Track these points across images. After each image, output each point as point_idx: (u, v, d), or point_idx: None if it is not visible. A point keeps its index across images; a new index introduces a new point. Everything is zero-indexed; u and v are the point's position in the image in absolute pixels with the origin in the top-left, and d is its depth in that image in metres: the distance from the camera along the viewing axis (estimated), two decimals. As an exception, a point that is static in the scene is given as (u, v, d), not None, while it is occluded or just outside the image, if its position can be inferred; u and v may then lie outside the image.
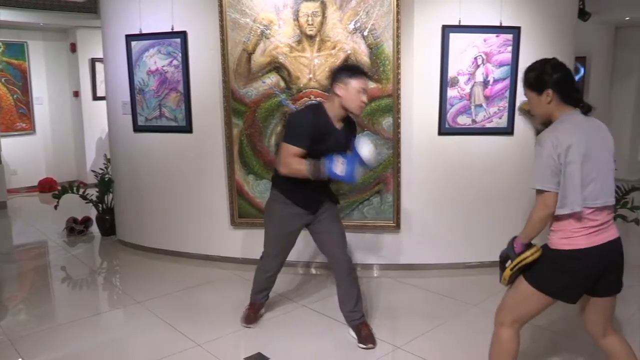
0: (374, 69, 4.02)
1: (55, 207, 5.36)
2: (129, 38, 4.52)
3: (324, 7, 4.00)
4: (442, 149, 4.20)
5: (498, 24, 4.04)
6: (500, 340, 2.31)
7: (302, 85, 4.10)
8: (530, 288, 2.19)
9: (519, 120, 4.14)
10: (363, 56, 4.02)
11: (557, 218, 2.14)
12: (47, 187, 7.84)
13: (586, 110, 2.19)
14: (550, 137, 2.09)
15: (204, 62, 4.33)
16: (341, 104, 2.91)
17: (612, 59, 8.29)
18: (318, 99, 4.01)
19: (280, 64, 4.11)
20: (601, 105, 7.73)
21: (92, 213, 5.66)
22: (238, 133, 4.28)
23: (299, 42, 4.06)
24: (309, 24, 4.03)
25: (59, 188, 5.56)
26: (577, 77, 7.51)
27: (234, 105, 4.23)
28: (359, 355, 3.05)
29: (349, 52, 4.02)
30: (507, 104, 4.12)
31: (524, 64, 3.93)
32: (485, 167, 4.22)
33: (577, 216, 2.10)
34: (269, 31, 4.08)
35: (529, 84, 2.22)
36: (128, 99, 4.64)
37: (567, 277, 2.15)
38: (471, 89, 4.11)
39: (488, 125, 4.16)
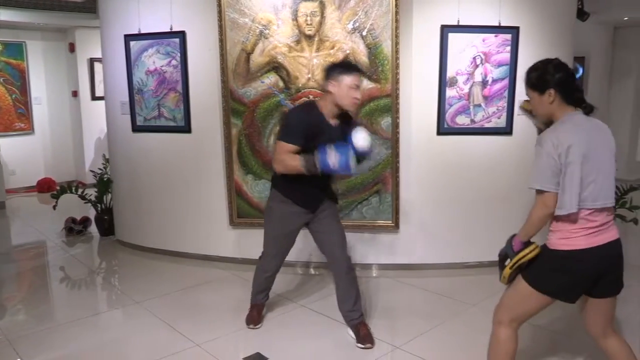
0: (373, 69, 4.02)
1: (54, 207, 5.36)
2: (128, 38, 4.52)
3: (322, 7, 4.00)
4: (441, 149, 4.20)
5: (497, 24, 4.04)
6: (498, 339, 2.31)
7: (300, 85, 4.10)
8: (529, 288, 2.19)
9: (518, 120, 4.15)
10: (362, 56, 4.02)
11: (556, 218, 2.15)
12: (46, 187, 7.83)
13: (588, 110, 2.19)
14: (551, 137, 2.09)
15: (202, 62, 4.33)
16: (334, 101, 2.92)
17: (610, 59, 8.30)
18: (317, 98, 4.01)
19: (279, 63, 4.11)
20: (600, 105, 7.65)
21: (91, 213, 5.66)
22: (237, 133, 4.28)
23: (298, 42, 4.06)
24: (307, 24, 4.03)
25: (58, 188, 5.56)
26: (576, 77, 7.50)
27: (232, 105, 4.23)
28: (358, 355, 3.05)
29: (347, 52, 4.02)
30: (505, 104, 4.13)
31: (522, 64, 3.99)
32: (484, 167, 4.23)
33: (576, 217, 2.10)
34: (267, 31, 4.08)
35: (531, 84, 2.22)
36: (127, 99, 4.64)
37: (566, 277, 2.15)
38: (470, 89, 4.11)
39: (487, 125, 4.17)
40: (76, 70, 8.06)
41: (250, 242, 4.31)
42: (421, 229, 4.27)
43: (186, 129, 4.47)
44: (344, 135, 2.96)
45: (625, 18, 7.58)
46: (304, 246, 4.07)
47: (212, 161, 4.42)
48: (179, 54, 4.37)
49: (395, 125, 4.07)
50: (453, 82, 4.10)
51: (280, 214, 3.15)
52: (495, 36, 4.05)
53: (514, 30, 4.05)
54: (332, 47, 4.03)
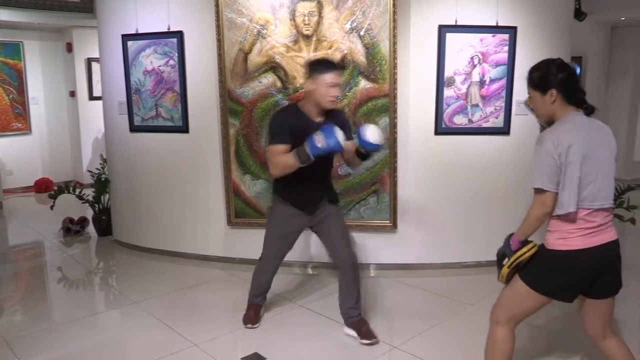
0: (371, 69, 4.02)
1: (52, 207, 5.35)
2: (125, 38, 4.51)
3: (320, 6, 4.00)
4: (439, 149, 4.20)
5: (494, 24, 4.04)
6: (495, 338, 2.31)
7: (298, 85, 4.10)
8: (526, 287, 2.20)
9: (516, 120, 4.16)
10: (359, 56, 4.02)
11: (554, 218, 2.15)
12: (43, 187, 7.81)
13: (589, 111, 2.20)
14: (551, 137, 2.10)
15: (200, 62, 4.32)
16: (314, 99, 2.93)
17: (607, 59, 8.31)
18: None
19: (276, 63, 4.11)
20: (597, 105, 7.72)
21: (89, 213, 5.65)
22: (235, 133, 4.28)
23: (296, 41, 4.06)
24: (305, 24, 4.03)
25: (55, 188, 5.54)
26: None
27: (230, 105, 4.23)
28: (357, 355, 3.05)
29: (345, 52, 4.02)
30: (503, 104, 4.13)
31: (520, 64, 4.00)
32: (481, 166, 4.23)
33: (573, 217, 2.10)
34: (265, 31, 4.08)
35: (533, 84, 2.23)
36: (124, 99, 4.63)
37: (563, 277, 2.15)
38: (467, 88, 4.11)
39: (484, 125, 4.17)
40: (73, 70, 8.05)
41: (248, 242, 4.31)
42: (419, 228, 4.27)
43: (184, 129, 4.47)
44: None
45: (623, 18, 7.60)
46: (302, 246, 4.07)
47: (210, 161, 4.42)
48: (176, 54, 4.37)
49: (393, 125, 4.07)
50: (451, 82, 4.10)
51: (279, 216, 3.20)
52: (493, 36, 4.06)
53: (512, 30, 4.05)
54: (330, 47, 4.03)
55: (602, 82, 8.30)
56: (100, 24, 4.87)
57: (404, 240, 4.29)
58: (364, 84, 4.03)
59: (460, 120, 4.15)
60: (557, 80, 2.15)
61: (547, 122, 2.26)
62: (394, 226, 4.23)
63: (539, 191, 2.12)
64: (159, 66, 4.45)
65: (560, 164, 2.07)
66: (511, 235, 2.28)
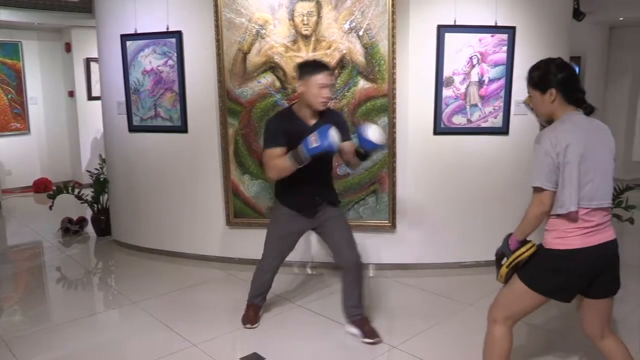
0: (369, 69, 4.02)
1: (50, 207, 5.34)
2: (124, 38, 4.51)
3: (319, 6, 4.00)
4: (438, 149, 4.20)
5: (493, 24, 4.05)
6: (493, 337, 2.32)
7: (297, 85, 4.09)
8: (524, 287, 2.20)
9: (514, 120, 4.16)
10: (358, 56, 4.02)
11: (552, 217, 2.15)
12: (42, 187, 7.81)
13: (589, 111, 2.20)
14: (550, 136, 2.10)
15: (199, 62, 4.32)
16: (305, 101, 2.94)
17: (606, 59, 8.32)
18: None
19: (275, 63, 4.11)
20: (596, 105, 7.74)
21: (88, 213, 5.65)
22: (233, 133, 4.28)
23: (295, 41, 4.06)
24: (304, 24, 4.03)
25: (54, 188, 5.53)
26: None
27: (229, 105, 4.23)
28: (356, 355, 3.05)
29: (344, 52, 4.02)
30: (502, 104, 4.14)
31: (519, 63, 4.00)
32: (480, 166, 4.23)
33: (571, 216, 2.10)
34: (264, 31, 4.08)
35: (533, 83, 2.23)
36: (123, 98, 4.63)
37: (561, 276, 2.16)
38: (466, 88, 4.12)
39: (483, 124, 4.17)
40: (72, 70, 8.04)
41: (247, 242, 4.32)
42: (418, 228, 4.27)
43: (183, 129, 4.47)
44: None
45: (621, 18, 7.61)
46: (302, 246, 4.06)
47: (209, 161, 4.42)
48: (175, 54, 4.36)
49: (392, 125, 4.07)
50: (450, 82, 4.10)
51: (280, 216, 3.22)
52: (492, 36, 4.06)
53: (511, 30, 4.06)
54: (329, 47, 4.03)
55: (600, 82, 8.30)
56: (99, 24, 4.86)
57: (402, 240, 4.29)
58: (362, 84, 4.04)
59: (459, 120, 4.16)
60: (557, 80, 2.16)
61: (546, 122, 2.27)
62: (392, 226, 4.23)
63: (537, 190, 2.12)
64: (158, 66, 4.44)
65: (558, 164, 2.07)
66: (510, 235, 2.28)
